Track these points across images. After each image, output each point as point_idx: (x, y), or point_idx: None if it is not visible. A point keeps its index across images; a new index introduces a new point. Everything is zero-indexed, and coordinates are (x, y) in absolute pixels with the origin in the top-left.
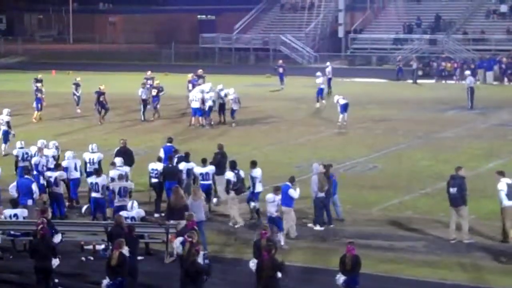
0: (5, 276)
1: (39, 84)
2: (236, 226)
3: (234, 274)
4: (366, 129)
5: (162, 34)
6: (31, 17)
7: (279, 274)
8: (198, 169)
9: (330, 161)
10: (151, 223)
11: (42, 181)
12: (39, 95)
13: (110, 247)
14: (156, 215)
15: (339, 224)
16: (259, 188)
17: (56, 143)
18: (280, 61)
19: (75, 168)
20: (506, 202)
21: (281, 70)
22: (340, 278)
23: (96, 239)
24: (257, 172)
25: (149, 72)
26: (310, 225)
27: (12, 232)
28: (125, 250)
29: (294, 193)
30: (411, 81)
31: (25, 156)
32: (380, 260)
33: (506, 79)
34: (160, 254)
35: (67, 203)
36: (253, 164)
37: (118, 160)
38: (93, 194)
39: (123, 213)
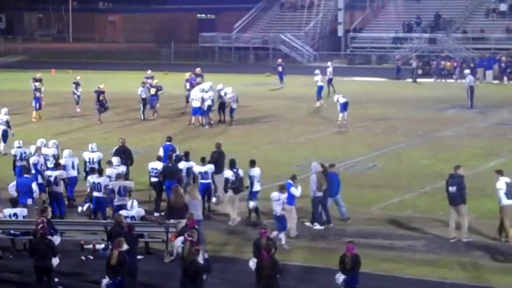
0: (5, 275)
1: (37, 84)
2: (230, 223)
3: (234, 273)
4: (366, 128)
5: (162, 33)
6: (30, 16)
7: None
8: (197, 168)
9: (330, 160)
10: (151, 222)
11: (40, 180)
12: (37, 94)
13: (110, 247)
14: (156, 214)
15: (339, 223)
16: (257, 187)
17: (56, 142)
18: (280, 60)
19: (73, 167)
20: (505, 201)
21: (280, 69)
22: (340, 277)
23: (96, 238)
24: (255, 171)
25: (149, 71)
26: (308, 224)
27: (12, 231)
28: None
29: (296, 191)
30: (410, 80)
31: (23, 155)
32: (380, 259)
33: (505, 78)
34: (160, 254)
35: (66, 203)
36: (252, 163)
37: (115, 159)
38: (95, 194)
39: (123, 212)
